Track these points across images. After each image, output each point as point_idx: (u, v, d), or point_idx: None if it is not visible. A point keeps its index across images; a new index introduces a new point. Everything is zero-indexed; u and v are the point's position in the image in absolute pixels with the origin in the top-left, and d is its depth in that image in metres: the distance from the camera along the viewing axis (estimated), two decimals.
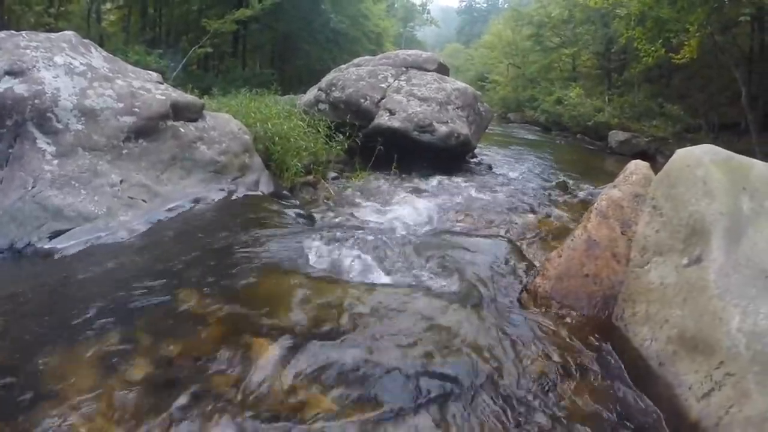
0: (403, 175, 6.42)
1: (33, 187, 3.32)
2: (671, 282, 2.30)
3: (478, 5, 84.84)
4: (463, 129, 6.82)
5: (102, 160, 3.64)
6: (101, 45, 14.87)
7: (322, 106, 7.34)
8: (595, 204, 3.13)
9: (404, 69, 7.84)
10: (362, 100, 6.97)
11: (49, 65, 3.71)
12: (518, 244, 4.02)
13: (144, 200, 3.74)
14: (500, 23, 40.45)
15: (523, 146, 13.82)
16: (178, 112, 4.26)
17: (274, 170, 5.27)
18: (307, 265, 3.06)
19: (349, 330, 2.39)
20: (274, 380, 2.03)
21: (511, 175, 7.88)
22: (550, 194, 6.46)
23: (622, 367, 2.40)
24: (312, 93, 7.74)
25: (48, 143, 3.48)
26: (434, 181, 6.30)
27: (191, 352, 2.16)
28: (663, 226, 2.48)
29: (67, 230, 3.29)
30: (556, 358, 2.42)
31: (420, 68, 7.97)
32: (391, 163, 6.46)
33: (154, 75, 4.79)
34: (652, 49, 12.14)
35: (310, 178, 5.51)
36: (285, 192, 5.05)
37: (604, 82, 23.62)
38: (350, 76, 7.38)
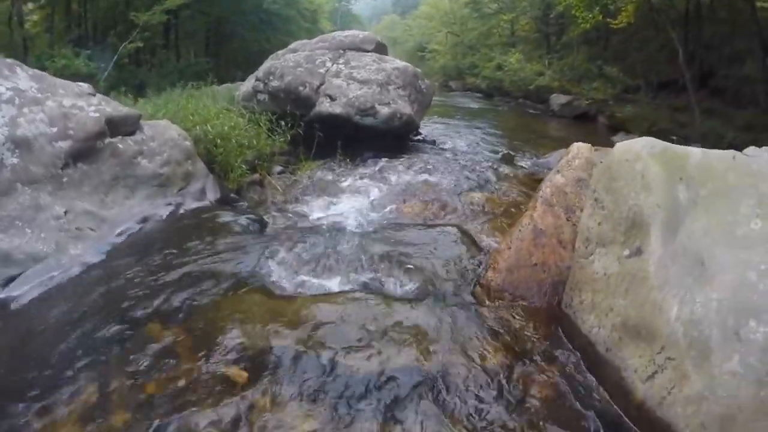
0: (349, 162, 6.40)
1: None
2: (614, 272, 2.45)
3: None
4: (405, 109, 6.81)
5: (43, 192, 3.52)
6: (25, 49, 14.44)
7: (261, 96, 7.21)
8: (540, 191, 3.26)
9: (342, 51, 7.75)
10: (301, 88, 6.88)
11: None
12: (468, 229, 4.11)
13: (92, 229, 3.67)
14: None
15: (466, 116, 13.93)
16: (114, 127, 4.14)
17: (218, 172, 5.19)
18: (263, 281, 3.11)
19: (313, 345, 2.48)
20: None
21: (457, 148, 7.97)
22: (495, 168, 6.54)
23: (574, 352, 2.56)
24: (250, 83, 7.58)
25: None
26: (380, 164, 6.27)
27: (169, 388, 2.21)
28: (605, 218, 2.60)
29: (19, 275, 3.17)
30: (511, 349, 2.55)
31: (358, 49, 7.90)
32: (336, 149, 6.44)
33: (85, 86, 4.59)
34: (590, 16, 12.29)
35: (256, 176, 5.47)
36: (233, 195, 5.01)
37: (543, 45, 23.90)
38: (287, 63, 7.25)
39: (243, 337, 2.52)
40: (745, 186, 2.23)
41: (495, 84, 24.02)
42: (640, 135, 10.36)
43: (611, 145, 8.68)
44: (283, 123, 6.34)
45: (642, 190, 2.40)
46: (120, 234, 3.77)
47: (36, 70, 4.31)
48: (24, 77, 4.02)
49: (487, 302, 2.92)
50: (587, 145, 3.54)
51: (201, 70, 16.58)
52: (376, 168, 6.12)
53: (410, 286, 3.08)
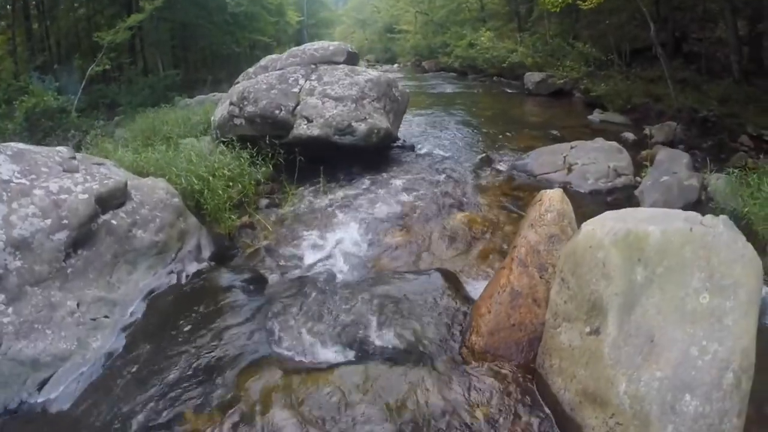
0: (331, 185, 6.52)
1: (0, 345, 3.24)
2: (577, 345, 2.79)
3: None
4: (382, 123, 6.87)
5: (52, 289, 3.60)
6: None
7: (237, 121, 7.20)
8: (516, 251, 3.51)
9: (314, 66, 7.76)
10: (277, 111, 6.90)
11: None
12: (452, 273, 4.33)
13: (106, 316, 3.78)
14: None
15: (442, 105, 13.95)
16: (105, 204, 4.22)
17: (209, 221, 5.32)
18: (271, 354, 3.37)
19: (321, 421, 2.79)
20: None
21: (435, 153, 8.07)
22: (475, 175, 6.83)
23: (545, 408, 2.94)
24: (225, 108, 7.54)
25: None
26: (362, 185, 6.46)
27: None
28: (570, 298, 2.90)
29: (51, 376, 3.30)
30: (492, 405, 2.91)
31: (329, 62, 7.91)
32: (318, 169, 6.52)
33: (64, 152, 4.66)
34: (559, 1, 12.20)
35: (246, 219, 5.56)
36: (227, 243, 5.16)
37: (515, 20, 23.80)
38: (260, 86, 7.23)
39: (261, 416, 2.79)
40: (698, 260, 2.56)
41: (468, 62, 23.98)
42: (615, 111, 10.51)
43: (589, 124, 8.82)
44: (263, 147, 6.46)
45: (602, 279, 2.70)
46: (132, 314, 3.91)
47: (14, 146, 4.31)
48: (3, 161, 4.05)
49: (473, 362, 3.21)
50: (558, 194, 3.76)
51: (171, 83, 16.46)
52: (359, 190, 6.30)
53: (403, 347, 3.35)
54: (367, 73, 7.62)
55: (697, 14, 13.01)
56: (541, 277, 3.36)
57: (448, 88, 19.15)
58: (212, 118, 7.98)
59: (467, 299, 3.81)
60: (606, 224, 2.85)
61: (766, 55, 12.03)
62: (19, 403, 3.18)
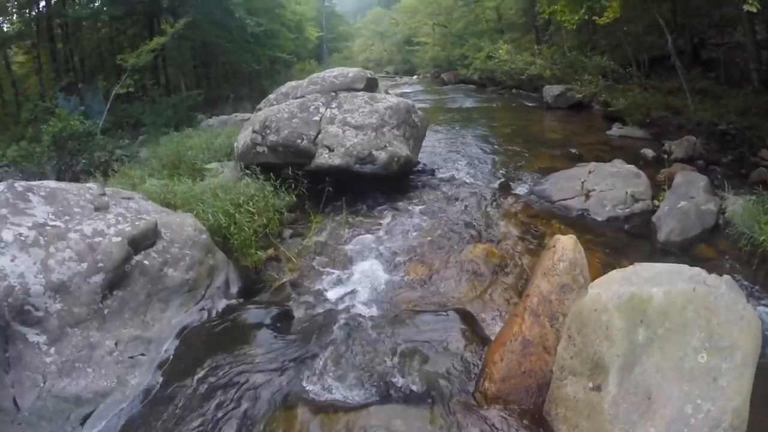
0: (353, 214, 6.65)
1: (45, 382, 3.43)
2: (581, 398, 2.94)
3: None
4: (402, 150, 6.98)
5: (91, 330, 3.77)
6: (16, 93, 14.58)
7: (260, 149, 7.36)
8: (528, 301, 3.66)
9: (334, 93, 7.90)
10: (299, 141, 7.05)
11: (2, 248, 3.67)
12: (470, 314, 4.43)
13: (142, 354, 3.94)
14: None
15: (461, 121, 14.09)
16: (137, 245, 4.36)
17: (235, 254, 5.47)
18: (299, 394, 3.51)
19: None
20: None
21: (454, 178, 8.19)
22: (493, 203, 6.92)
23: None
24: (247, 135, 7.69)
25: (37, 334, 3.55)
26: (383, 214, 6.63)
27: None
28: (575, 354, 3.05)
29: (93, 411, 3.51)
30: None
31: (349, 89, 8.04)
32: (340, 197, 6.71)
33: (95, 189, 4.84)
34: (575, 18, 12.21)
35: (271, 252, 5.71)
36: (253, 277, 5.33)
37: (532, 30, 23.80)
38: (282, 115, 7.40)
39: None
40: (699, 320, 2.72)
41: (487, 75, 24.02)
42: (634, 125, 10.47)
43: (608, 140, 8.82)
44: (285, 176, 6.63)
45: (605, 340, 2.86)
46: (166, 351, 4.08)
47: (46, 186, 4.50)
48: (38, 202, 4.22)
49: (486, 406, 3.34)
50: (571, 242, 3.84)
51: (193, 103, 16.76)
52: (380, 220, 6.45)
53: (421, 390, 3.48)
54: (386, 100, 7.73)
55: (715, 19, 12.89)
56: (551, 326, 3.48)
57: (468, 102, 19.24)
58: (235, 145, 8.14)
59: (482, 340, 3.92)
60: (611, 287, 3.02)
61: None
62: None
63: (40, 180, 9.18)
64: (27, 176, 10.34)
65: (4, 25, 19.02)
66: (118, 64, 15.48)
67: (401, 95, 22.49)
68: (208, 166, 8.47)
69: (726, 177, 7.78)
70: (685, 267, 3.13)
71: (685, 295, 2.80)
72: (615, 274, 3.23)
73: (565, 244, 3.82)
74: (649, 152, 9.48)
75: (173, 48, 19.50)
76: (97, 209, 4.56)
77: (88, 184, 5.07)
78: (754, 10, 7.11)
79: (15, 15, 19.15)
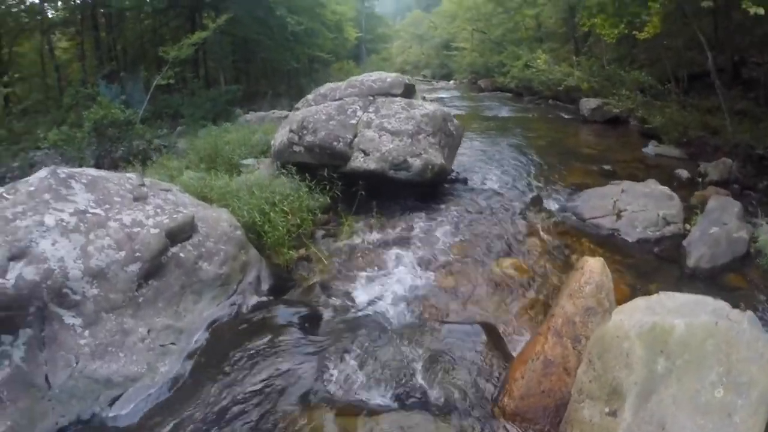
0: (385, 219, 6.69)
1: (77, 363, 3.58)
2: (597, 422, 2.96)
3: None
4: (437, 158, 7.02)
5: (125, 316, 3.90)
6: (59, 78, 15.03)
7: (297, 149, 7.46)
8: (552, 321, 3.71)
9: (371, 98, 7.98)
10: (335, 143, 7.13)
11: (44, 232, 3.80)
12: (495, 328, 4.52)
13: (173, 343, 4.06)
14: None
15: (496, 130, 14.05)
16: (174, 237, 4.48)
17: (268, 252, 5.60)
18: (324, 394, 3.60)
19: None
20: None
21: (487, 188, 8.17)
22: (525, 216, 6.92)
23: None
24: (284, 134, 7.79)
25: (73, 317, 3.69)
26: (415, 221, 6.63)
27: None
28: (595, 379, 3.09)
29: (122, 395, 3.64)
30: None
31: (387, 94, 8.11)
32: (372, 200, 6.75)
33: (134, 179, 4.96)
34: (615, 32, 12.11)
35: (303, 251, 5.80)
36: (284, 275, 5.41)
37: (571, 40, 23.61)
38: (320, 117, 7.50)
39: None
40: (719, 354, 2.74)
41: (524, 83, 23.90)
42: (671, 144, 10.31)
43: (643, 158, 8.73)
44: (320, 176, 6.79)
45: (624, 368, 2.91)
46: (197, 342, 4.20)
47: (88, 173, 4.64)
48: (80, 190, 4.34)
49: (503, 422, 3.42)
50: (599, 265, 3.88)
51: (232, 98, 16.99)
52: (411, 227, 6.48)
53: (442, 399, 3.57)
54: (423, 108, 7.76)
55: (757, 37, 12.63)
56: (573, 348, 3.51)
57: (503, 111, 19.15)
58: (272, 142, 8.26)
59: (505, 356, 3.97)
60: (635, 315, 3.07)
61: None
62: (91, 415, 3.51)
63: (79, 165, 9.62)
64: (66, 160, 10.70)
65: (50, 11, 19.62)
66: (159, 56, 15.77)
67: (437, 100, 22.76)
68: (245, 161, 8.62)
69: (761, 203, 7.68)
70: (709, 299, 3.15)
71: (707, 328, 2.83)
72: (639, 302, 3.26)
73: (593, 267, 3.84)
74: (683, 173, 9.36)
75: (214, 42, 19.76)
76: (136, 199, 4.68)
77: (127, 174, 5.18)
78: None
79: (60, 2, 19.70)
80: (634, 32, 11.49)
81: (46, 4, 18.94)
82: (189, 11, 20.93)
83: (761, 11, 6.95)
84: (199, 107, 15.80)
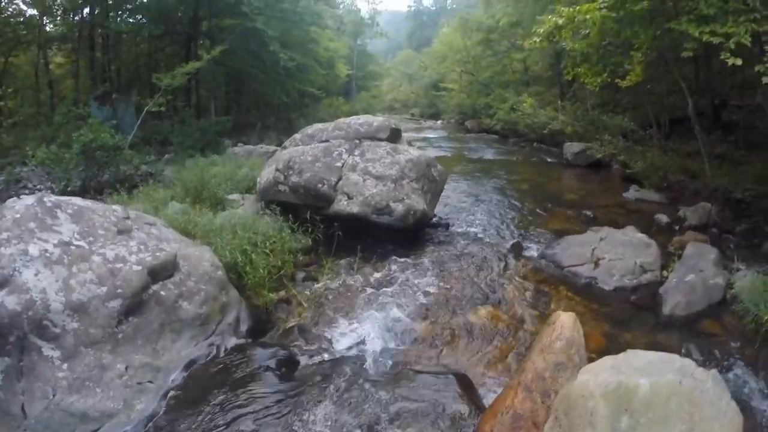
0: (366, 263, 6.81)
1: (54, 395, 3.63)
2: None
3: (426, 8, 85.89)
4: (419, 204, 7.20)
5: (104, 352, 3.96)
6: (52, 94, 15.15)
7: (282, 188, 7.60)
8: (523, 376, 3.80)
9: (357, 141, 8.15)
10: (320, 185, 7.29)
11: (28, 262, 3.90)
12: (470, 378, 4.57)
13: (150, 381, 4.11)
14: (449, 31, 41.16)
15: (481, 173, 14.37)
16: (156, 275, 4.56)
17: (249, 292, 5.68)
18: None
19: None
20: None
21: (469, 234, 8.34)
22: (504, 262, 7.08)
23: None
24: (270, 172, 7.93)
25: (53, 349, 3.76)
26: (395, 266, 6.73)
27: None
28: None
29: (97, 430, 3.69)
30: None
31: (373, 138, 8.28)
32: (354, 243, 6.87)
33: (119, 211, 5.09)
34: (598, 80, 12.47)
35: (283, 293, 5.90)
36: (263, 317, 5.49)
37: (557, 84, 24.15)
38: (306, 158, 7.65)
39: None
40: (682, 413, 2.86)
41: (510, 126, 24.37)
42: (651, 188, 10.57)
43: (624, 203, 8.96)
44: (303, 217, 6.86)
45: (589, 426, 3.00)
46: (173, 381, 4.24)
47: (74, 203, 4.73)
48: (65, 220, 4.46)
49: None
50: (570, 320, 3.99)
51: (221, 129, 17.14)
52: (392, 272, 6.57)
53: None
54: (407, 153, 7.96)
55: (737, 81, 12.97)
56: (543, 402, 3.58)
57: (489, 153, 19.55)
58: (258, 180, 8.39)
59: (477, 407, 4.02)
60: (600, 375, 3.15)
61: None
62: None
63: (65, 185, 9.67)
64: (53, 179, 10.82)
65: (48, 25, 19.84)
66: (153, 82, 15.90)
67: (424, 140, 23.04)
68: (230, 196, 8.74)
69: (738, 247, 7.86)
70: (675, 357, 3.27)
71: (671, 387, 2.93)
72: (606, 361, 3.35)
73: (564, 322, 3.97)
74: (663, 218, 9.56)
75: (208, 72, 20.01)
76: (120, 232, 4.78)
77: (113, 206, 5.27)
78: None
79: (59, 17, 19.94)
80: (617, 80, 11.82)
81: (45, 18, 19.24)
82: (185, 39, 21.19)
83: (739, 62, 7.23)
84: (188, 136, 15.88)
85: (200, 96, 22.14)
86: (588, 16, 9.21)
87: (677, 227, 8.85)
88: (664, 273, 6.77)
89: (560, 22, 9.73)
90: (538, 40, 10.57)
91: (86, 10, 19.30)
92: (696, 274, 6.28)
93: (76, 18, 19.89)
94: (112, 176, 10.89)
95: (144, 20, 20.24)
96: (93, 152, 10.62)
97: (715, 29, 7.54)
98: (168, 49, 22.83)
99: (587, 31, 10.72)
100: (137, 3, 20.78)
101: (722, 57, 7.42)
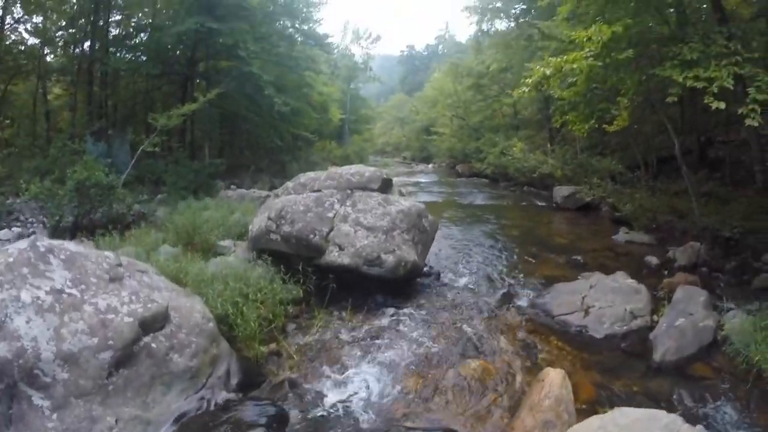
0: (357, 314, 6.84)
1: None
2: None
3: (418, 53, 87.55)
4: (410, 255, 7.29)
5: (94, 403, 3.95)
6: (48, 125, 15.33)
7: (273, 236, 7.66)
8: None
9: (349, 191, 8.26)
10: (311, 236, 7.37)
11: (19, 308, 3.94)
12: None
13: None
14: (440, 76, 42.00)
15: (471, 219, 14.55)
16: (147, 327, 4.57)
17: (239, 344, 5.68)
18: None
19: None
20: None
21: (459, 284, 8.42)
22: (494, 312, 7.17)
23: None
24: (263, 220, 7.97)
25: (42, 398, 3.76)
26: (386, 318, 6.80)
27: None
28: None
29: None
30: None
31: (364, 189, 8.40)
32: (345, 294, 6.92)
33: (112, 258, 5.14)
34: (586, 127, 12.76)
35: (274, 346, 5.88)
36: (254, 369, 5.46)
37: (546, 128, 24.68)
38: (298, 207, 7.74)
39: None
40: None
41: (500, 170, 24.72)
42: (641, 230, 10.86)
43: (614, 246, 9.10)
44: (295, 267, 6.87)
45: None
46: None
47: (66, 248, 4.78)
48: (57, 266, 4.50)
49: None
50: (559, 377, 4.10)
51: (215, 171, 17.26)
52: (382, 324, 6.62)
53: None
54: (399, 204, 8.06)
55: (722, 117, 13.21)
56: None
57: (479, 198, 19.81)
58: (250, 227, 8.44)
59: None
60: None
61: None
62: None
63: (58, 221, 9.70)
64: (46, 213, 10.90)
65: (49, 56, 20.29)
66: (149, 122, 16.04)
67: (415, 184, 23.23)
68: (222, 242, 8.78)
69: (728, 285, 8.01)
70: (662, 414, 3.30)
71: None
72: (593, 421, 3.39)
73: (553, 380, 4.03)
74: (653, 260, 9.70)
75: (203, 113, 20.20)
76: (112, 280, 4.82)
77: (105, 253, 5.28)
78: (756, 124, 7.47)
79: (60, 49, 20.40)
80: (604, 126, 12.08)
81: (46, 48, 19.68)
82: (182, 79, 21.50)
83: (722, 105, 7.47)
84: (182, 177, 15.96)
85: (195, 136, 22.34)
86: (575, 66, 9.51)
87: (667, 270, 8.97)
88: (655, 318, 6.83)
89: (548, 72, 10.00)
90: (526, 90, 10.86)
91: (87, 44, 19.76)
92: (686, 317, 6.34)
93: (77, 50, 20.38)
94: (104, 215, 10.91)
95: (143, 58, 20.60)
96: (87, 190, 10.66)
97: (698, 74, 7.83)
98: (165, 87, 23.17)
99: (574, 79, 11.06)
100: (136, 41, 21.31)
101: (706, 101, 7.67)
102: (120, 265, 5.13)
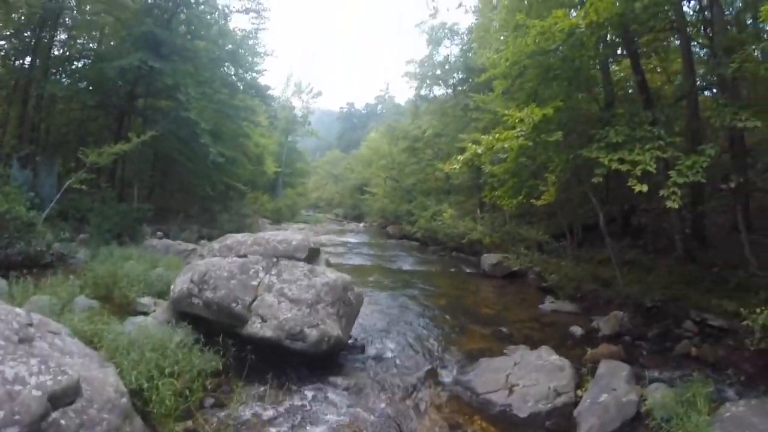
0: (277, 390, 6.68)
1: None
2: None
3: (357, 111, 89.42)
4: (334, 330, 7.30)
5: None
6: None
7: (195, 301, 7.54)
8: None
9: (275, 260, 8.25)
10: (234, 305, 7.30)
11: None
12: None
13: None
14: (377, 136, 43.00)
15: (399, 286, 14.67)
16: (56, 401, 4.34)
17: (154, 422, 5.43)
18: None
19: None
20: None
21: (384, 358, 8.40)
22: (418, 390, 7.18)
23: None
24: (185, 282, 7.78)
25: None
26: (307, 395, 6.69)
27: None
28: None
29: None
30: None
31: (291, 257, 8.41)
32: (267, 366, 6.83)
33: (23, 316, 4.97)
34: (514, 202, 13.30)
35: (190, 424, 5.67)
36: None
37: (477, 195, 25.41)
38: (222, 273, 7.69)
39: None
40: None
41: (430, 233, 25.20)
42: (566, 299, 11.36)
43: (540, 316, 10.40)
44: (215, 335, 6.78)
45: None
46: None
47: None
48: None
49: None
50: None
51: (142, 217, 16.82)
52: (303, 403, 6.50)
53: None
54: (325, 275, 8.08)
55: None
56: None
57: (408, 263, 20.05)
58: (172, 287, 8.22)
59: None
60: None
61: (707, 230, 12.93)
62: None
63: None
64: None
65: None
66: (78, 157, 15.55)
67: (344, 244, 23.30)
68: (141, 300, 8.57)
69: (651, 353, 8.33)
70: None
71: None
72: None
73: None
74: (577, 330, 10.01)
75: (135, 152, 19.79)
76: (21, 341, 4.64)
77: (16, 310, 5.10)
78: (676, 206, 7.98)
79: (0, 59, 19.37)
80: (532, 200, 12.61)
81: None
82: (119, 112, 21.15)
83: (645, 188, 7.99)
84: (107, 218, 15.38)
85: (125, 175, 21.82)
86: (506, 144, 10.01)
87: (591, 340, 9.24)
88: (579, 393, 6.96)
89: (479, 150, 10.46)
90: (458, 166, 11.32)
91: (28, 59, 19.02)
92: (609, 393, 6.50)
93: (17, 63, 19.54)
94: (21, 252, 10.38)
95: (82, 85, 20.23)
96: (6, 223, 10.21)
97: (623, 156, 8.38)
98: (101, 119, 22.68)
99: (506, 156, 11.62)
100: (78, 65, 20.98)
101: (629, 183, 8.20)
102: (31, 324, 4.95)
